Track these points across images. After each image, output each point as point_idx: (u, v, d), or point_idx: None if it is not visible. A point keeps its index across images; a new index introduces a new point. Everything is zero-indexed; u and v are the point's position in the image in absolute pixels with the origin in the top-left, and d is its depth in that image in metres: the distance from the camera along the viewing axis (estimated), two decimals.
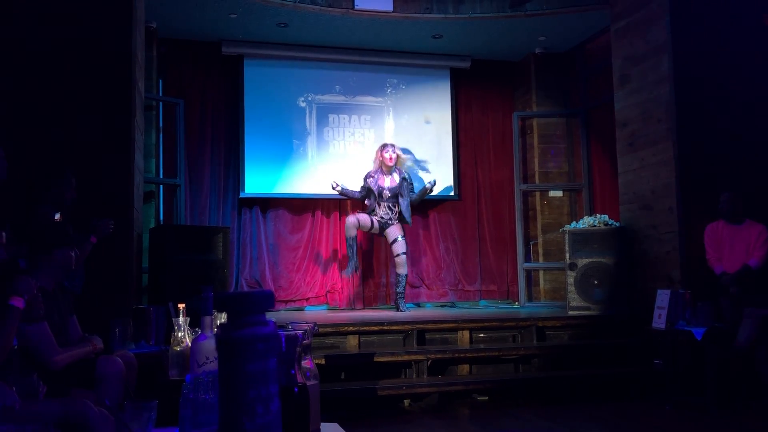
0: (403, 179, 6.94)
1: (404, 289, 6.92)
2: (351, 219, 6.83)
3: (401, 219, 6.89)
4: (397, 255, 6.84)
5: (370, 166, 7.16)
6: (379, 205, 6.84)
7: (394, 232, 6.85)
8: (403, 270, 6.85)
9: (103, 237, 4.21)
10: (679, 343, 5.10)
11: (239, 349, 0.72)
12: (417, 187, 7.22)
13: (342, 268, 7.30)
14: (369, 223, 6.85)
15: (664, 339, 5.02)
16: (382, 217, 6.84)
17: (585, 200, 7.61)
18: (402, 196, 6.87)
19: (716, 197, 5.36)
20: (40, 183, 4.13)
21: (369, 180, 6.92)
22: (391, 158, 6.90)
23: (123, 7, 4.93)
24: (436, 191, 7.78)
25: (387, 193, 6.85)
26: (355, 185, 7.12)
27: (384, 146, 7.02)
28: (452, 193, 7.90)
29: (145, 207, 6.23)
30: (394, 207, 6.85)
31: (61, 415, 2.35)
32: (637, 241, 6.09)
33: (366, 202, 6.95)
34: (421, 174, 7.75)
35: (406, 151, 7.63)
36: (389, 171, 6.90)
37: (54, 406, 2.43)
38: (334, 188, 6.94)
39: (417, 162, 7.73)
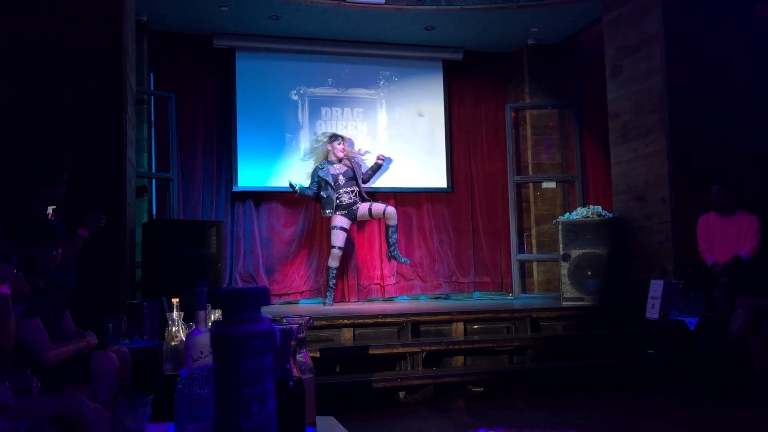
0: (351, 161, 6.97)
1: (396, 239, 6.91)
2: (336, 252, 6.78)
3: (363, 199, 6.91)
4: (384, 210, 6.83)
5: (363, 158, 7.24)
6: (338, 193, 6.82)
7: (363, 208, 6.86)
8: (393, 221, 6.86)
9: (95, 231, 4.19)
10: (673, 333, 5.13)
11: (234, 347, 0.71)
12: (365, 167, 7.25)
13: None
14: (345, 235, 6.85)
15: (657, 329, 5.05)
16: (345, 204, 6.80)
17: (578, 191, 7.62)
18: (357, 179, 6.89)
19: (709, 188, 5.38)
20: (31, 179, 4.11)
21: (321, 172, 6.88)
22: (343, 149, 6.93)
23: (112, 0, 4.89)
24: (429, 184, 7.80)
25: (342, 179, 6.85)
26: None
27: (334, 138, 7.01)
28: (445, 186, 7.90)
29: (138, 201, 6.21)
30: (352, 191, 6.86)
31: (56, 411, 2.34)
32: (630, 231, 6.10)
33: (321, 193, 6.87)
34: (411, 166, 7.75)
35: (390, 141, 7.63)
36: (338, 161, 6.93)
37: (48, 401, 2.42)
38: (293, 188, 6.83)
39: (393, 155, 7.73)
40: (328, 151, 6.99)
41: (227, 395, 0.69)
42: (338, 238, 6.79)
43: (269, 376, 0.72)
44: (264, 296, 0.76)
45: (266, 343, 0.72)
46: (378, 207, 6.87)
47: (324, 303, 6.86)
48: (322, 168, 6.91)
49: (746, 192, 5.46)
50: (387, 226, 6.94)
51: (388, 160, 7.46)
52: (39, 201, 4.03)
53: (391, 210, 6.88)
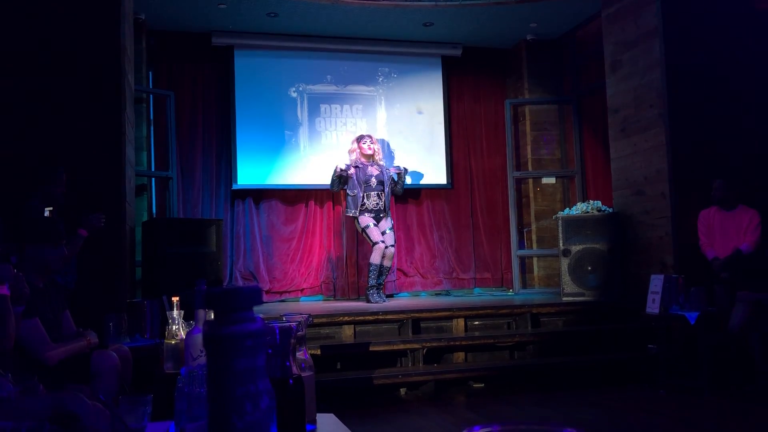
0: (383, 168, 6.81)
1: (383, 281, 6.74)
2: (381, 245, 6.53)
3: (386, 212, 6.71)
4: (386, 247, 6.61)
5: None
6: (368, 195, 6.61)
7: (384, 224, 6.67)
8: (389, 263, 6.68)
9: (94, 231, 4.19)
10: (673, 328, 5.13)
11: (227, 346, 0.71)
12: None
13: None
14: (378, 230, 6.60)
15: (657, 324, 5.05)
16: (372, 208, 6.61)
17: (578, 187, 7.62)
18: (384, 186, 6.70)
19: (709, 182, 5.38)
20: (30, 179, 4.11)
21: (351, 170, 6.66)
22: (370, 147, 6.72)
23: None
24: (429, 181, 7.80)
25: (374, 181, 6.65)
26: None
27: (361, 137, 6.84)
28: (445, 182, 7.89)
29: (138, 200, 6.21)
30: (381, 195, 6.68)
31: (55, 410, 2.34)
32: (630, 226, 6.10)
33: (349, 192, 6.64)
34: (411, 163, 7.75)
35: (390, 138, 7.61)
36: (369, 161, 6.74)
37: (48, 401, 2.42)
38: (343, 170, 6.67)
39: (394, 151, 7.70)
40: (354, 151, 6.76)
41: (220, 395, 0.69)
42: (376, 234, 6.55)
43: (262, 375, 0.72)
44: (256, 296, 0.76)
45: (259, 343, 0.72)
46: (388, 239, 6.61)
47: (377, 301, 6.51)
48: (356, 167, 6.67)
49: (747, 186, 5.45)
50: (382, 266, 6.61)
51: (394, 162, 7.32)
52: (37, 201, 4.03)
53: (390, 251, 6.63)
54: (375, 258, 6.57)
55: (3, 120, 4.56)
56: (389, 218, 6.74)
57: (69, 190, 4.25)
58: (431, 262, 7.80)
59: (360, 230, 6.71)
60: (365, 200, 6.62)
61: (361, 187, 6.63)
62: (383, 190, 6.70)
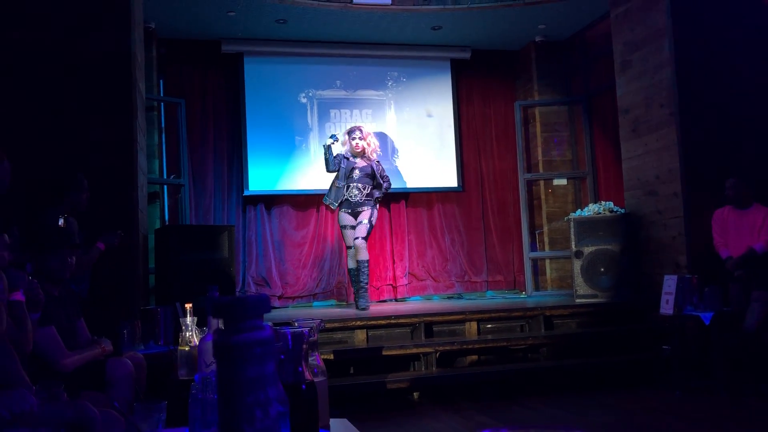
0: (375, 163, 6.53)
1: (367, 280, 6.38)
2: (352, 252, 6.34)
3: (373, 203, 6.41)
4: (356, 238, 6.24)
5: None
6: (349, 186, 6.38)
7: (363, 215, 6.34)
8: (363, 255, 6.26)
9: (111, 246, 4.23)
10: (688, 329, 5.09)
11: (236, 355, 0.72)
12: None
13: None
14: (353, 234, 6.36)
15: (672, 325, 5.02)
16: (353, 201, 6.33)
17: (589, 188, 7.59)
18: (375, 178, 6.43)
19: (721, 181, 5.34)
20: (53, 188, 4.14)
21: (344, 160, 6.47)
22: (357, 146, 6.47)
23: (121, 8, 4.92)
24: (440, 184, 7.78)
25: (358, 173, 6.40)
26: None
27: (351, 131, 6.59)
28: (456, 185, 7.89)
29: (150, 208, 6.24)
30: (364, 189, 6.38)
31: (69, 418, 2.36)
32: (642, 227, 6.07)
33: (335, 181, 6.46)
34: (421, 166, 7.75)
35: (400, 142, 7.61)
36: (360, 156, 6.49)
37: (64, 409, 2.43)
38: (331, 142, 6.50)
39: (398, 150, 7.70)
40: (347, 143, 6.56)
41: (230, 402, 0.70)
42: (349, 238, 6.38)
43: (273, 382, 0.73)
44: (264, 304, 0.76)
45: (268, 351, 0.72)
46: (358, 230, 6.29)
47: (357, 306, 6.31)
48: (346, 158, 6.49)
49: (761, 184, 5.40)
50: (357, 260, 6.28)
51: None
52: (63, 209, 4.07)
53: (360, 243, 6.23)
54: (350, 263, 6.45)
55: (14, 129, 4.59)
56: (369, 210, 6.37)
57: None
58: (443, 265, 7.79)
59: (341, 226, 6.52)
60: (348, 194, 6.38)
61: (344, 179, 6.42)
62: (366, 184, 6.41)
